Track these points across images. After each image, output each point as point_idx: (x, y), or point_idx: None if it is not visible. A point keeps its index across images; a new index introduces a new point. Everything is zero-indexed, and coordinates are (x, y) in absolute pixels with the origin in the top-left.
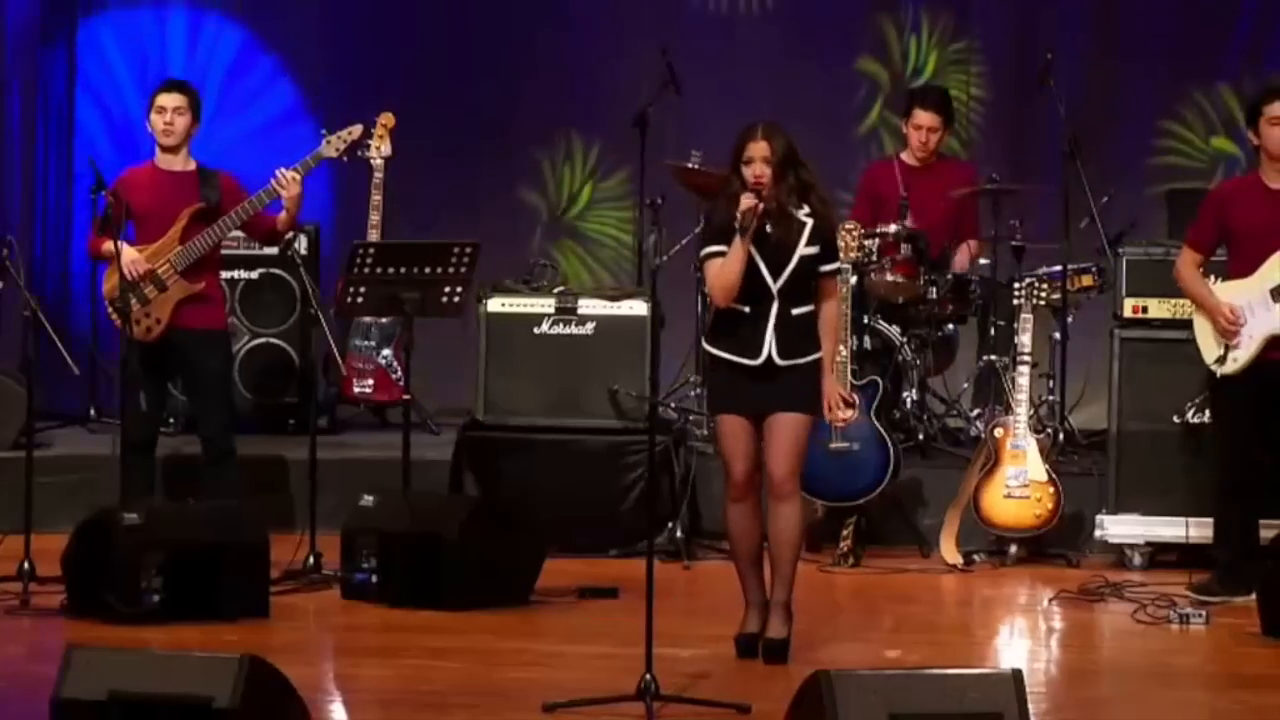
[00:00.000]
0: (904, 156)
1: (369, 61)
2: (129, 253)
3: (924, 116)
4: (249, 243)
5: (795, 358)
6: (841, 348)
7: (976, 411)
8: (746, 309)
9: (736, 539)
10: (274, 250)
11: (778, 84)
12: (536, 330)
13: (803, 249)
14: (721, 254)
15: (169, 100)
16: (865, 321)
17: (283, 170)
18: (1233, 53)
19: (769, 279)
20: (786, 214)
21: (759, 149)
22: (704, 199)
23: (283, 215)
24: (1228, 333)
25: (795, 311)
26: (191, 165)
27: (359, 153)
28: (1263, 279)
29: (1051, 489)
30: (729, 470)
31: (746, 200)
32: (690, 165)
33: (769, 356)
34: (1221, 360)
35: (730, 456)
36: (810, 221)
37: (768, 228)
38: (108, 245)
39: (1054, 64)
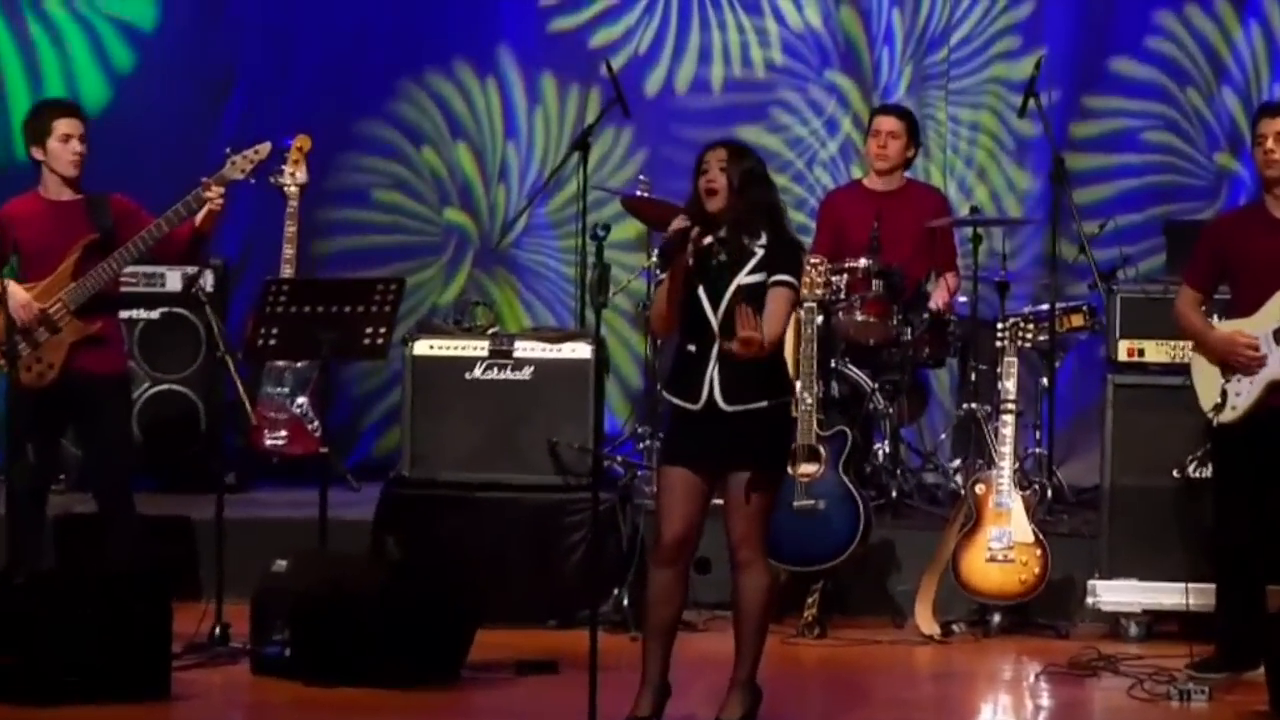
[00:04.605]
0: (867, 182)
1: (280, 78)
2: (18, 293)
3: (884, 120)
4: (149, 279)
5: (745, 403)
6: (806, 395)
7: (956, 465)
8: (692, 348)
9: (649, 606)
10: (176, 288)
11: (736, 101)
12: (468, 375)
13: (742, 278)
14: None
15: (75, 127)
16: (832, 365)
17: (207, 180)
18: (1237, 58)
19: (710, 314)
20: (737, 242)
21: (716, 156)
22: (654, 230)
23: (202, 215)
24: (1251, 361)
25: None
26: (78, 192)
27: (271, 179)
28: (1266, 318)
29: (1038, 551)
30: (659, 529)
31: (677, 221)
32: (639, 194)
33: (710, 400)
34: (1220, 407)
35: (664, 514)
36: (761, 251)
37: (715, 260)
38: None
39: (1040, 78)
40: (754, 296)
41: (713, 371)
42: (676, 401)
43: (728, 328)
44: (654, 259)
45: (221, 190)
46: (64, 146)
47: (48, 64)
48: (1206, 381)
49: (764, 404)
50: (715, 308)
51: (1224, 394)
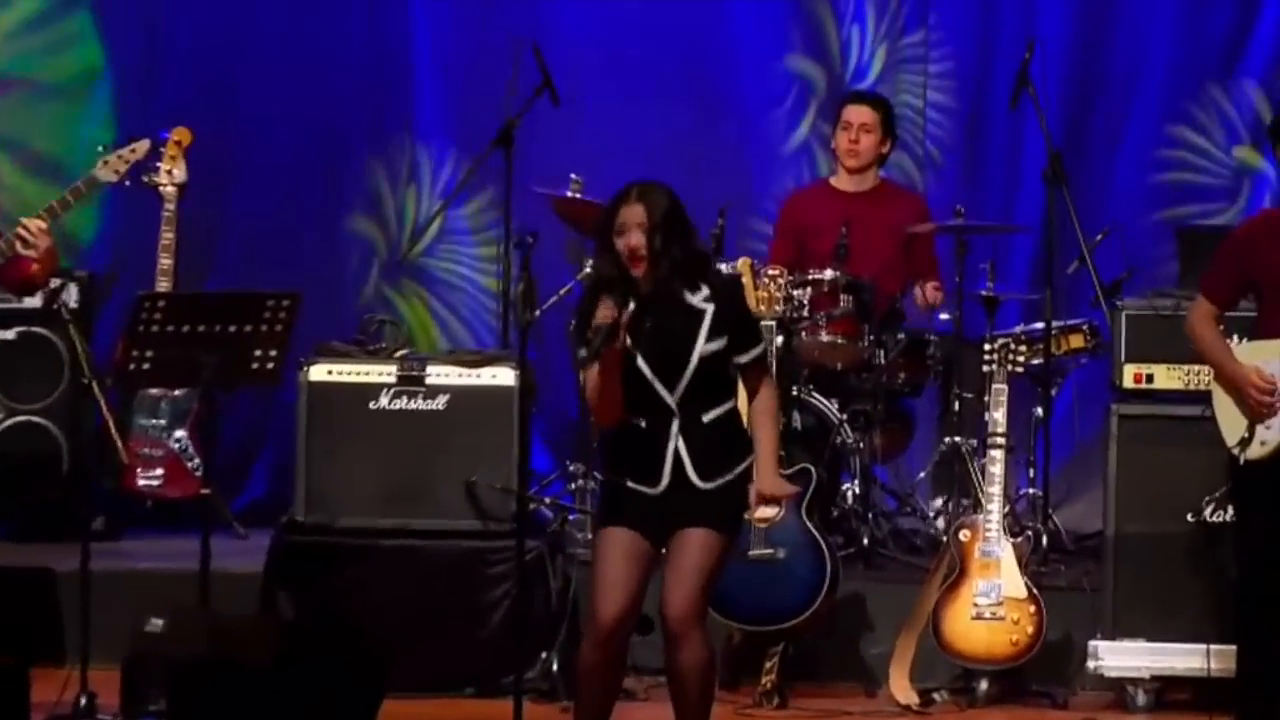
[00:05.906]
0: (835, 181)
1: (152, 65)
2: None
3: (854, 111)
4: (3, 295)
5: (722, 475)
6: None
7: (936, 508)
8: (642, 423)
9: (580, 689)
10: (35, 303)
11: (683, 88)
12: (373, 405)
13: (702, 346)
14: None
15: None
16: (794, 393)
17: (27, 221)
18: (1259, 39)
19: (663, 392)
20: (675, 301)
21: (633, 214)
22: (588, 235)
23: (35, 269)
24: (1260, 407)
25: (707, 417)
26: None
27: (144, 178)
28: None
29: (1032, 608)
30: (594, 607)
31: (604, 311)
32: (570, 194)
33: (675, 480)
34: (1246, 443)
35: (602, 587)
36: (710, 307)
37: (648, 323)
38: None
39: (1035, 59)
40: (715, 363)
41: (677, 447)
42: (629, 483)
43: (688, 402)
44: (580, 354)
45: (44, 227)
46: None
47: None
48: (1230, 413)
49: (736, 472)
50: (668, 382)
51: (1251, 427)
